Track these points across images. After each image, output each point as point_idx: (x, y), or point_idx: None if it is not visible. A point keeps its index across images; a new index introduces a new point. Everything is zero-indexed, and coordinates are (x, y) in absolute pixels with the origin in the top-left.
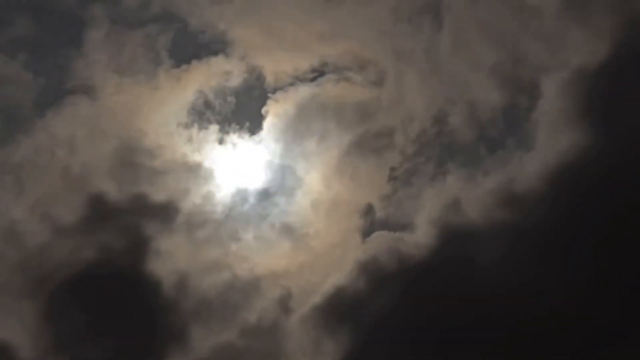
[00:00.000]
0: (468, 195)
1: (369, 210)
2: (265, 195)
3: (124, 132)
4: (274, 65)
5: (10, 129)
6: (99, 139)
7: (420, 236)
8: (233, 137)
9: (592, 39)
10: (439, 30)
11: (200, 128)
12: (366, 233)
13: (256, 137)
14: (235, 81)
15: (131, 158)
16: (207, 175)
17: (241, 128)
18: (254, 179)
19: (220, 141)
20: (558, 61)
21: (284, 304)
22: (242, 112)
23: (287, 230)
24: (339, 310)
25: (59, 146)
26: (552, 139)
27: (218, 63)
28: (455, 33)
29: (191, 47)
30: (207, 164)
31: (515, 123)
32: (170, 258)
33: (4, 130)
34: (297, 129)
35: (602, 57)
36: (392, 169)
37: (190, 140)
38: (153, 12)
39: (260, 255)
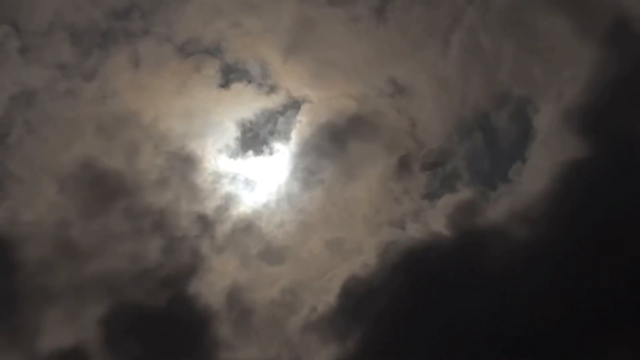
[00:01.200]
0: (481, 208)
1: (400, 225)
2: (312, 210)
3: (173, 148)
4: (318, 91)
5: (68, 142)
6: (150, 154)
7: (440, 242)
8: (280, 152)
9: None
10: (467, 50)
11: (250, 147)
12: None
13: (301, 154)
14: (282, 103)
15: (181, 173)
16: (258, 190)
17: (288, 145)
18: (302, 194)
19: (268, 157)
20: (562, 81)
21: (327, 319)
22: (288, 131)
23: (335, 244)
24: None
25: (112, 159)
26: (558, 156)
27: (263, 88)
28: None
29: (238, 74)
30: (257, 180)
31: (522, 140)
32: (219, 272)
33: (63, 143)
34: (339, 147)
35: (608, 74)
36: (423, 185)
37: (238, 156)
38: (205, 44)
39: (308, 270)
